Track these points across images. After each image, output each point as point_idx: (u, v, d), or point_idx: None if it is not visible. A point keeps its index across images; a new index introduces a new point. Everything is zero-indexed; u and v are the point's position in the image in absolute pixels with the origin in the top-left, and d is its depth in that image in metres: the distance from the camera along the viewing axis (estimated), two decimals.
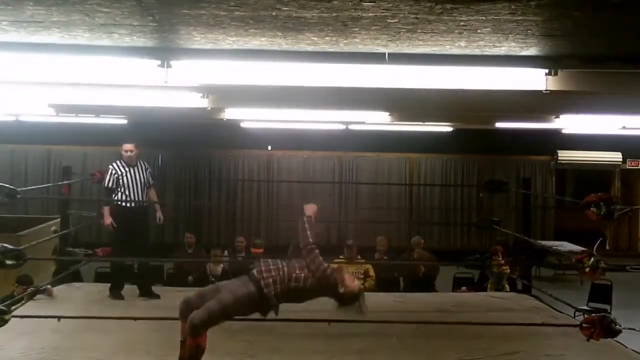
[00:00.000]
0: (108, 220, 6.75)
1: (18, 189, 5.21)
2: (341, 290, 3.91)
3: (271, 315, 4.06)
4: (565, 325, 5.64)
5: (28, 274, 6.63)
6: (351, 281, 3.97)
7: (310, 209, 4.21)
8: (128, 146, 6.80)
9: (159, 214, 7.11)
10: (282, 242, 12.93)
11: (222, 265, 8.96)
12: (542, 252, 10.79)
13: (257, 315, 4.13)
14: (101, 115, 10.40)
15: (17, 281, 6.55)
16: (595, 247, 4.85)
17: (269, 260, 4.08)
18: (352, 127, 11.45)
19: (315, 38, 4.40)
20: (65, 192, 7.94)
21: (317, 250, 4.00)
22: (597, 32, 4.17)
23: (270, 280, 3.91)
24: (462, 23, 3.87)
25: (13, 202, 5.20)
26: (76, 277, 7.82)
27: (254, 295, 3.91)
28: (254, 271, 4.00)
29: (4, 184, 5.15)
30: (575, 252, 6.44)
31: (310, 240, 4.02)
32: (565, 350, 5.25)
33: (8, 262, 4.79)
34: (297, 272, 3.95)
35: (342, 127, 11.42)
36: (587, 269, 4.76)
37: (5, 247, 4.79)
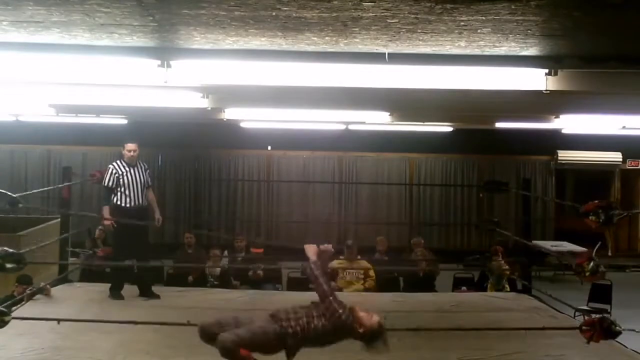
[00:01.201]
0: (108, 220, 6.75)
1: (18, 195, 5.19)
2: (361, 330, 3.85)
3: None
4: (566, 328, 5.64)
5: (28, 274, 6.63)
6: (369, 319, 3.88)
7: (311, 251, 4.10)
8: (132, 146, 6.79)
9: (157, 215, 7.10)
10: (282, 242, 12.95)
11: (220, 265, 8.96)
12: (542, 252, 10.80)
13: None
14: (101, 115, 10.40)
15: (17, 281, 6.55)
16: (595, 249, 4.85)
17: (289, 308, 4.01)
18: (352, 127, 11.44)
19: (315, 38, 4.40)
20: (65, 195, 7.93)
21: (331, 297, 3.94)
22: (597, 32, 4.16)
23: (290, 330, 3.87)
24: (462, 23, 3.87)
25: (14, 209, 5.19)
26: (97, 277, 7.75)
27: (279, 335, 3.89)
28: (274, 316, 3.95)
29: (6, 192, 5.13)
30: (576, 253, 6.45)
31: (323, 287, 3.95)
32: (565, 350, 5.25)
33: (8, 265, 4.78)
34: (315, 321, 3.90)
35: (342, 127, 11.42)
36: (587, 274, 4.77)
37: (6, 250, 4.78)
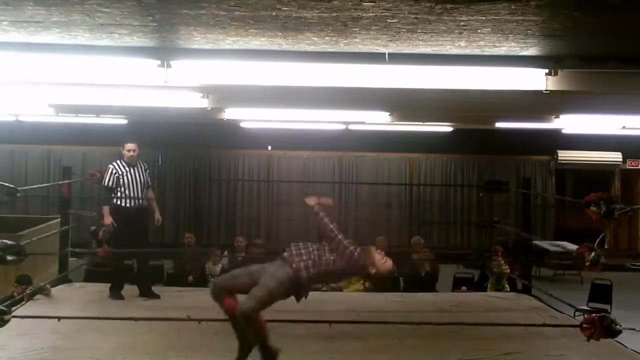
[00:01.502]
0: (108, 220, 6.74)
1: (18, 188, 5.19)
2: (372, 271, 3.92)
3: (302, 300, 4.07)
4: (566, 325, 5.64)
5: (28, 274, 6.63)
6: (382, 262, 3.95)
7: (312, 201, 4.27)
8: (131, 146, 6.78)
9: (157, 215, 7.10)
10: (282, 243, 12.95)
11: (220, 265, 8.96)
12: (542, 252, 10.80)
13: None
14: (101, 115, 10.41)
15: (16, 281, 6.54)
16: (597, 242, 4.85)
17: (299, 243, 4.07)
18: (352, 127, 11.44)
19: (315, 38, 4.40)
20: (65, 193, 7.92)
21: (340, 235, 4.01)
22: (597, 32, 4.17)
23: (302, 264, 3.91)
24: (462, 23, 3.87)
25: (12, 200, 5.18)
26: (101, 278, 7.73)
27: (292, 278, 3.92)
28: (285, 255, 4.00)
29: (3, 183, 5.13)
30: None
31: (331, 227, 4.04)
32: (565, 350, 5.25)
33: (9, 257, 4.76)
34: (327, 255, 3.96)
35: (342, 127, 11.42)
36: (588, 263, 4.76)
37: (5, 242, 4.77)
